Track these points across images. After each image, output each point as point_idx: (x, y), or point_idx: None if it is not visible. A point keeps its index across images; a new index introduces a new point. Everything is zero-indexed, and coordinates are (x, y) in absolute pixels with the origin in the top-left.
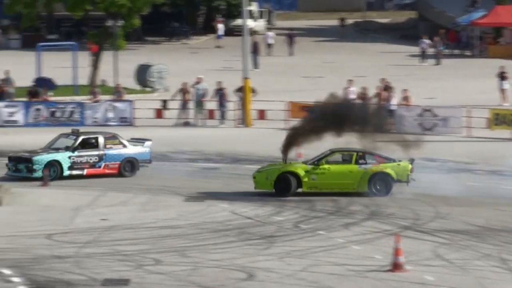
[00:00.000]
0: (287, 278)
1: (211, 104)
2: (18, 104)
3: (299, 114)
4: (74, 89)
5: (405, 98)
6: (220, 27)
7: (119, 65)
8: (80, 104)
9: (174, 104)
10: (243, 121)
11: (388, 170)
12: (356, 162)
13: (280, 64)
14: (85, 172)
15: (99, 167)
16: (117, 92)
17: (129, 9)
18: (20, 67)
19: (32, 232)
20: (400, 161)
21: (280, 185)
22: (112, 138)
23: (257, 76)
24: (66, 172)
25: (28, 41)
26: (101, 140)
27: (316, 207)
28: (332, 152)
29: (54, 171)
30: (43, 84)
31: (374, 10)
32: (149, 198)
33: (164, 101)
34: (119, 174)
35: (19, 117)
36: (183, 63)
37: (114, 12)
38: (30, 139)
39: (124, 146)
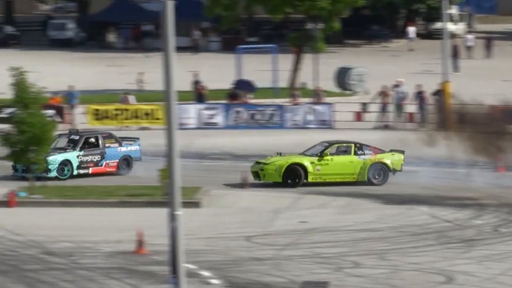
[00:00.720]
0: (486, 281)
1: (411, 107)
2: (218, 106)
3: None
4: (274, 91)
5: None
6: (411, 30)
7: (319, 68)
8: (280, 107)
9: (374, 107)
10: (443, 124)
11: (385, 160)
12: (355, 153)
13: (479, 67)
14: (90, 170)
15: (101, 165)
16: (316, 95)
17: (329, 12)
18: (219, 69)
19: (231, 234)
20: (393, 151)
21: (289, 176)
22: (109, 137)
23: (457, 79)
24: (75, 171)
25: (227, 44)
26: (100, 139)
27: None
28: (331, 144)
29: (68, 170)
30: (243, 86)
31: None
32: (348, 201)
33: (364, 104)
34: (116, 172)
35: (219, 119)
36: (382, 66)
37: (314, 15)
38: (230, 141)
39: (120, 144)
